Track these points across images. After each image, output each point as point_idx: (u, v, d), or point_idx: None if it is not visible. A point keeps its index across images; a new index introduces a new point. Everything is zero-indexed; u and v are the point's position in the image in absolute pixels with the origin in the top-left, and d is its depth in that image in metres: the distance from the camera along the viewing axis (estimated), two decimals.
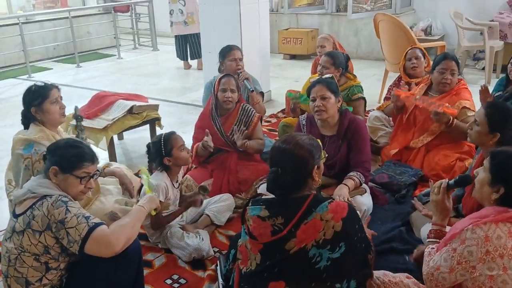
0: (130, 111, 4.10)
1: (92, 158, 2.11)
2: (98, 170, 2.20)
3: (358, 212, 2.57)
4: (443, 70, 3.59)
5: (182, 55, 7.98)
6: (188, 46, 7.84)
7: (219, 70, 4.12)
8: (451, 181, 2.14)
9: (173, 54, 8.17)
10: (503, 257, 1.65)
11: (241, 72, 3.98)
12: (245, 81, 3.93)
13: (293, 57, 8.58)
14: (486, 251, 1.67)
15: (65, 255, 1.99)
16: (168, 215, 2.81)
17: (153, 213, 2.32)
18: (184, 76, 7.74)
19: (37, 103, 2.71)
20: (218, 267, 2.48)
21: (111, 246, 1.90)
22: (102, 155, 4.20)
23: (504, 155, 1.80)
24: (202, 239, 2.77)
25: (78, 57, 8.59)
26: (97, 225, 1.92)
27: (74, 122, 3.45)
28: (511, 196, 1.74)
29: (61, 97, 2.83)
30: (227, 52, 4.05)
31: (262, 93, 4.24)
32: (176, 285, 2.54)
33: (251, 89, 3.89)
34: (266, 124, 5.04)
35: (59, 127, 2.96)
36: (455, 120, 3.42)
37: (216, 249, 2.83)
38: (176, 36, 7.86)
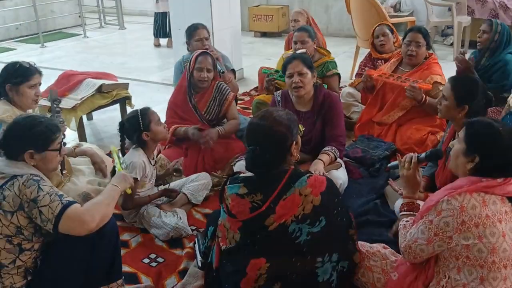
0: (99, 90, 4.00)
1: (57, 126, 2.07)
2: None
3: None
4: (408, 42, 3.62)
5: (160, 32, 7.84)
6: (168, 23, 7.68)
7: (188, 50, 4.03)
8: (422, 155, 2.17)
9: (141, 33, 8.01)
10: (478, 227, 1.68)
11: (210, 52, 3.86)
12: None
13: (264, 34, 8.51)
14: (462, 221, 1.69)
15: (39, 235, 1.94)
16: (142, 197, 2.77)
17: (129, 191, 2.27)
18: (153, 54, 7.60)
19: (15, 81, 2.67)
20: (196, 245, 2.46)
21: (85, 223, 1.85)
22: (72, 136, 4.11)
23: (478, 124, 1.83)
24: (180, 218, 2.74)
25: (42, 36, 8.31)
26: (70, 203, 1.87)
27: (43, 103, 3.35)
28: (485, 166, 1.77)
29: (40, 84, 2.79)
30: (192, 32, 3.94)
31: (233, 71, 4.18)
32: (153, 264, 2.52)
33: (221, 71, 3.79)
34: (240, 102, 4.98)
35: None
36: (427, 97, 3.46)
37: (194, 227, 2.81)
38: (157, 14, 7.72)
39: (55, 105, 2.79)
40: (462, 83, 2.65)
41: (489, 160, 1.76)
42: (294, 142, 1.97)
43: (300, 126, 2.05)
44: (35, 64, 2.80)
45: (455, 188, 1.76)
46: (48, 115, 2.82)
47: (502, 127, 1.77)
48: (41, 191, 1.86)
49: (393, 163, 2.41)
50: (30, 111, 2.88)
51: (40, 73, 2.76)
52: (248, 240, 1.90)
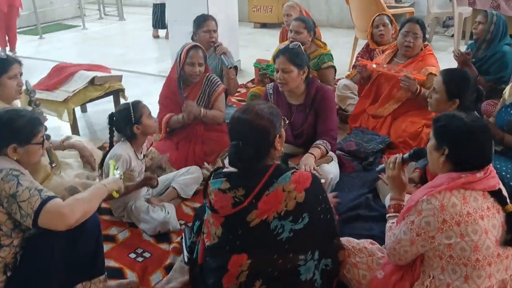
0: (92, 82, 3.97)
1: (39, 119, 2.05)
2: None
3: (324, 180, 2.56)
4: (406, 32, 3.58)
5: (159, 23, 7.82)
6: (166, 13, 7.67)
7: (192, 40, 3.95)
8: (406, 155, 2.16)
9: (140, 24, 7.97)
10: (459, 225, 1.65)
11: (217, 46, 3.79)
12: (222, 56, 3.74)
13: (264, 25, 8.43)
14: (443, 220, 1.66)
15: (18, 230, 1.92)
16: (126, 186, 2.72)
17: (115, 195, 2.23)
18: (151, 46, 7.56)
19: None
20: (183, 240, 2.44)
21: (65, 218, 1.82)
22: (65, 129, 4.09)
23: (444, 117, 1.82)
24: (168, 213, 2.72)
25: (41, 28, 8.26)
26: (50, 197, 1.85)
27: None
28: (457, 157, 1.74)
29: (21, 73, 2.74)
30: (201, 22, 3.85)
31: (236, 67, 4.12)
32: (140, 259, 2.49)
33: (228, 66, 3.72)
34: (236, 94, 4.93)
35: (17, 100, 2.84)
36: (422, 88, 3.41)
37: (182, 222, 2.79)
38: (155, 5, 7.70)
39: (31, 96, 2.75)
40: (454, 76, 2.62)
41: (458, 150, 1.74)
42: (278, 136, 1.93)
43: (283, 118, 2.01)
44: (14, 54, 2.76)
45: (434, 186, 1.73)
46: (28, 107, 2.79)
47: (466, 117, 1.75)
48: (20, 186, 1.84)
49: (381, 166, 2.39)
50: (17, 102, 2.85)
51: (19, 62, 2.71)
52: (230, 236, 1.87)
